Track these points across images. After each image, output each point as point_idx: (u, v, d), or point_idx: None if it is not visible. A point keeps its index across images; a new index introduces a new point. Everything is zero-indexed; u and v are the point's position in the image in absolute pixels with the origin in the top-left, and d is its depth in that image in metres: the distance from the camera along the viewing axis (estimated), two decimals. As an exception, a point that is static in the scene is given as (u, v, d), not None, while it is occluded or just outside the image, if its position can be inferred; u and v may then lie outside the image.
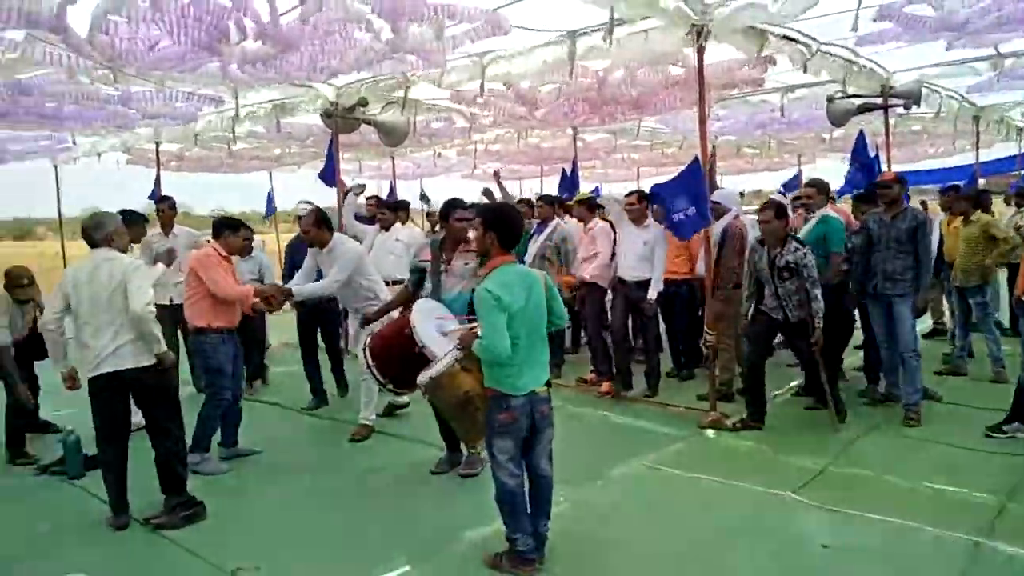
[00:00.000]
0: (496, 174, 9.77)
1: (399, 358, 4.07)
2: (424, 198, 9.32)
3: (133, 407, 4.22)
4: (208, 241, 5.39)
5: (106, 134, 10.62)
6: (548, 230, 7.22)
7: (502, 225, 3.45)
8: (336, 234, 5.58)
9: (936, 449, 4.94)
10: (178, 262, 6.47)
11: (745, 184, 19.70)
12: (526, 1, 5.68)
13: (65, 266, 13.81)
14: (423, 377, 3.75)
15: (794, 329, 5.39)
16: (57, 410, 5.94)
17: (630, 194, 6.68)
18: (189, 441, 4.56)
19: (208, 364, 4.99)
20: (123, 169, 13.44)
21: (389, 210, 7.35)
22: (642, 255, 6.29)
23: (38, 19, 4.39)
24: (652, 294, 6.23)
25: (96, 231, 4.12)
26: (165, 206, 7.23)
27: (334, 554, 3.76)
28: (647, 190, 7.25)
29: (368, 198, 8.77)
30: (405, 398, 5.78)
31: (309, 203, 7.38)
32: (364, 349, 4.32)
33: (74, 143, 10.96)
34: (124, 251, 4.28)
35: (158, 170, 11.66)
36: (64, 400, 5.67)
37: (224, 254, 5.12)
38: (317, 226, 5.45)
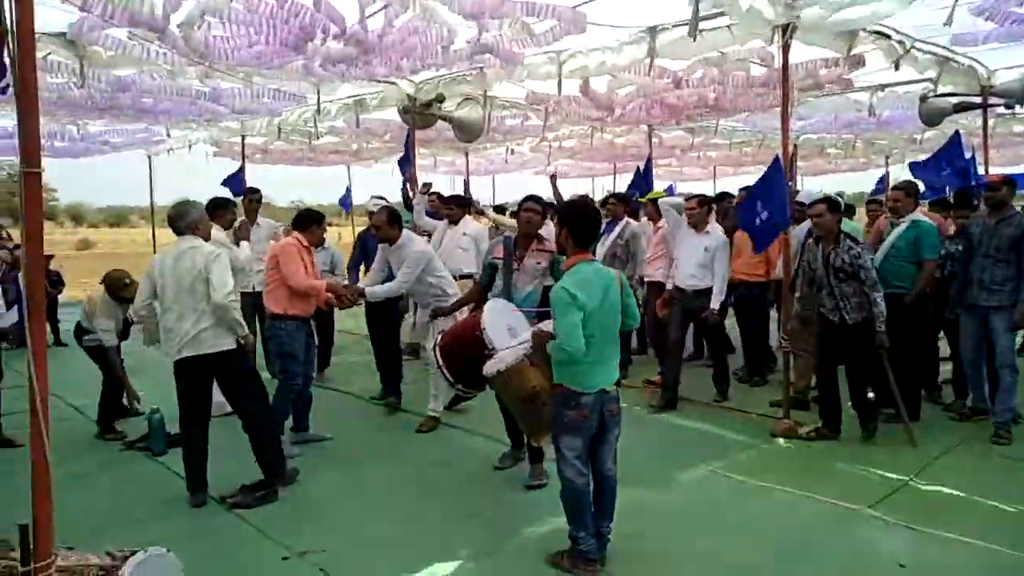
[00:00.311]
0: (553, 177, 9.66)
1: (469, 358, 4.05)
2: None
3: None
4: (290, 232, 5.55)
5: (197, 127, 11.12)
6: (618, 228, 7.14)
7: (576, 221, 3.43)
8: (405, 232, 5.62)
9: (1026, 470, 4.67)
10: (260, 251, 6.79)
11: (827, 186, 19.00)
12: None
13: (155, 252, 14.36)
14: (490, 368, 3.76)
15: (852, 332, 5.06)
16: (141, 390, 6.24)
17: (690, 198, 6.44)
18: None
19: (282, 350, 5.15)
20: (211, 161, 14.07)
21: (457, 206, 7.36)
22: (702, 262, 6.04)
23: (140, 19, 4.64)
24: (715, 304, 5.98)
25: (180, 219, 4.32)
26: (254, 197, 7.54)
27: (396, 542, 3.82)
28: (712, 192, 7.16)
29: (429, 194, 8.85)
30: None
31: (382, 199, 7.53)
32: (434, 348, 4.32)
33: (168, 136, 11.51)
34: (207, 239, 4.47)
35: (243, 162, 12.13)
36: (145, 381, 6.03)
37: (305, 245, 5.27)
38: (388, 223, 5.50)
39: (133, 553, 2.58)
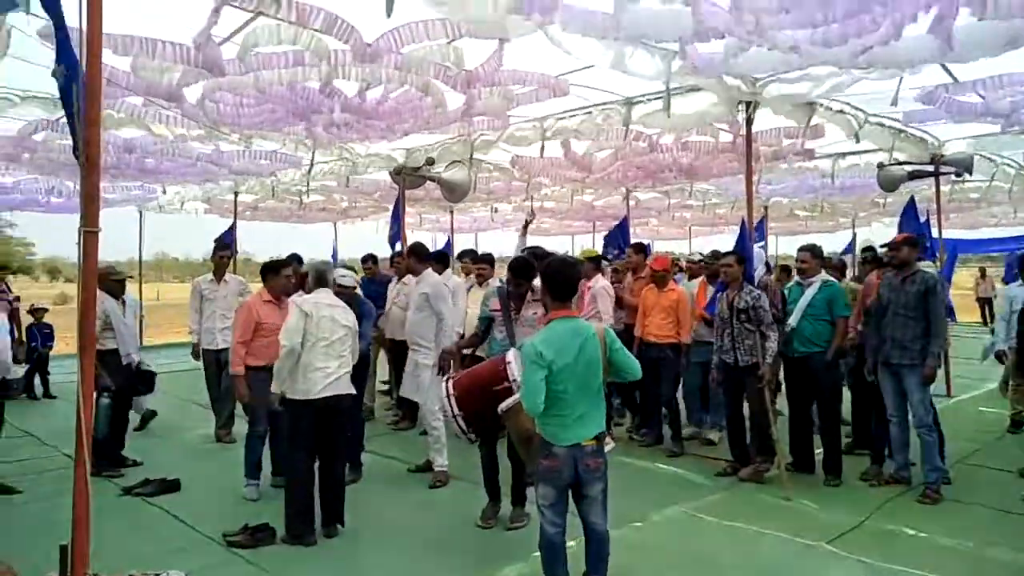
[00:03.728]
0: (525, 225, 9.81)
1: (486, 401, 4.07)
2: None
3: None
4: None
5: (190, 185, 11.53)
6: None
7: (551, 278, 3.54)
8: (427, 270, 5.94)
9: (975, 511, 5.02)
10: (226, 308, 6.98)
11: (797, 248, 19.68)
12: (587, 70, 6.10)
13: (142, 305, 14.60)
14: (500, 408, 3.93)
15: (743, 372, 5.58)
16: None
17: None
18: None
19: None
20: (201, 217, 14.45)
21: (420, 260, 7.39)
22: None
23: (158, 90, 5.07)
24: None
25: (328, 275, 4.91)
26: (224, 254, 7.57)
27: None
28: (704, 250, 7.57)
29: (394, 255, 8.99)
30: None
31: (352, 270, 7.59)
32: (448, 397, 4.24)
33: (163, 192, 11.89)
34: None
35: (235, 219, 12.51)
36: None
37: (267, 299, 5.43)
38: (409, 257, 6.02)
39: (157, 575, 2.82)
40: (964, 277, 22.77)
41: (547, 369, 3.31)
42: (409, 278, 6.80)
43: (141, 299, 15.30)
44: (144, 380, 6.39)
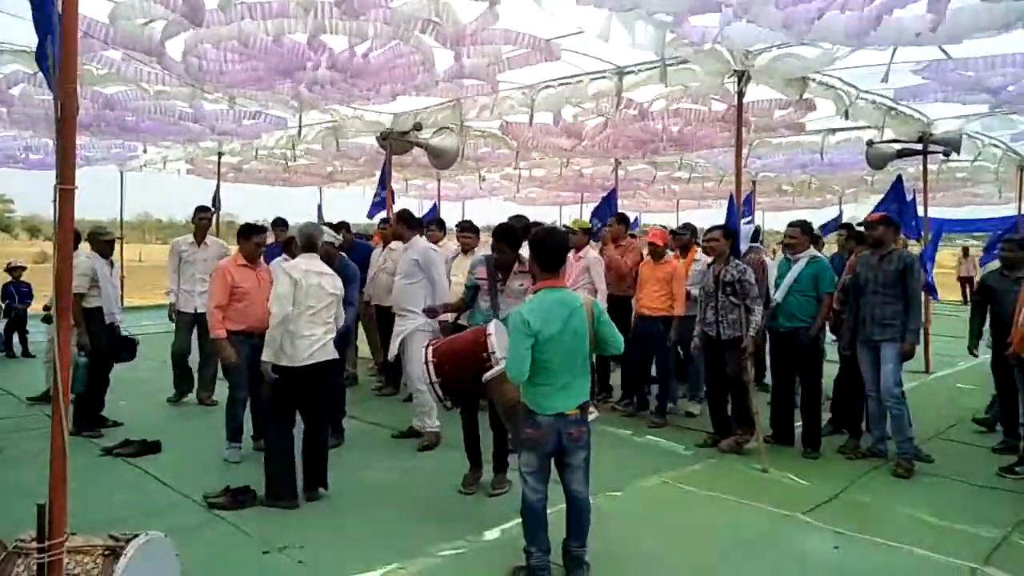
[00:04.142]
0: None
1: (465, 369, 4.10)
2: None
3: None
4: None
5: (172, 146, 11.31)
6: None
7: (538, 247, 3.54)
8: (416, 236, 5.96)
9: (949, 485, 5.11)
10: (205, 272, 6.72)
11: (784, 223, 19.76)
12: (579, 35, 5.98)
13: (123, 266, 14.56)
14: (484, 376, 3.93)
15: (725, 346, 5.59)
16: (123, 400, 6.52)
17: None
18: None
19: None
20: (184, 178, 14.23)
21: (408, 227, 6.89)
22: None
23: (138, 43, 4.93)
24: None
25: (317, 239, 4.79)
26: (205, 216, 7.32)
27: (371, 539, 4.07)
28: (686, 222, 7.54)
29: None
30: None
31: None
32: (427, 364, 4.25)
33: (144, 151, 11.67)
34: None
35: (218, 180, 12.34)
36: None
37: (241, 263, 5.45)
38: (398, 223, 6.10)
39: (135, 536, 2.80)
40: (945, 256, 23.00)
41: (533, 338, 3.34)
42: (396, 244, 6.77)
43: (122, 260, 15.26)
44: (126, 347, 6.33)
